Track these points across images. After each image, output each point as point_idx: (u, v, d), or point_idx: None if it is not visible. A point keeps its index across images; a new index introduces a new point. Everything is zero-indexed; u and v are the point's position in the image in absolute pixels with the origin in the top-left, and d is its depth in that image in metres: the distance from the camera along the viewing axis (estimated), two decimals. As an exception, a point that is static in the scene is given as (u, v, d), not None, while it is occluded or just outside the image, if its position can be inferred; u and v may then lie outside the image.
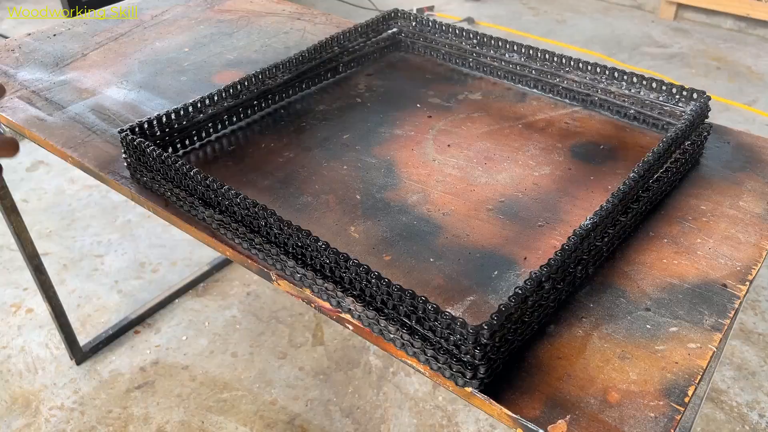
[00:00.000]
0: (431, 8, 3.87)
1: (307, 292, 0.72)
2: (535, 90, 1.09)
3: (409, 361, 0.66)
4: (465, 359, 0.61)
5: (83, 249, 2.15)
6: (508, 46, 1.09)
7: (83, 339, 1.79)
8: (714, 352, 0.66)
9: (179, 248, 2.12)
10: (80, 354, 1.74)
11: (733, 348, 1.75)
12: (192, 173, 0.79)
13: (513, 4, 4.04)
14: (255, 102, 1.04)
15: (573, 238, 0.68)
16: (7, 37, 1.37)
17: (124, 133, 0.87)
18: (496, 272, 0.76)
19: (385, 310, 0.66)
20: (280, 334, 1.82)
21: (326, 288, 0.70)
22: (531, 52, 1.06)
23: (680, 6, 3.71)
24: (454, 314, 0.69)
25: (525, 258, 0.77)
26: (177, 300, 1.94)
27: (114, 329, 1.81)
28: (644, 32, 3.64)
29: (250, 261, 0.78)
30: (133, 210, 2.30)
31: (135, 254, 2.12)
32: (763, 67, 3.25)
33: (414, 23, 1.20)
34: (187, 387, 1.67)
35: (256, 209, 0.73)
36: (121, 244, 2.16)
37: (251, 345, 1.79)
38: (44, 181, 2.48)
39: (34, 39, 1.34)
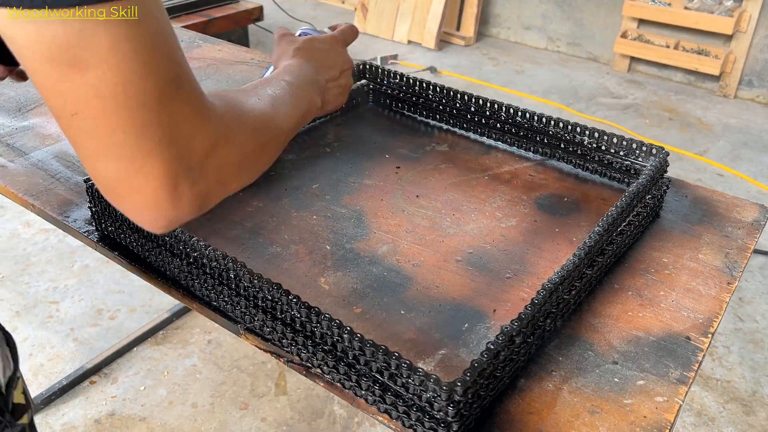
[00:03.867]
0: (395, 57, 3.95)
1: (276, 347, 0.71)
2: (500, 142, 1.12)
3: (380, 418, 0.65)
4: (438, 416, 0.60)
5: (38, 295, 2.08)
6: (473, 100, 1.12)
7: (35, 390, 1.72)
8: (680, 405, 0.67)
9: (138, 294, 2.07)
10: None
11: (693, 394, 1.78)
12: (160, 224, 0.77)
13: (474, 55, 4.15)
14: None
15: (542, 292, 0.68)
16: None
17: (89, 183, 0.86)
18: (466, 325, 0.76)
19: (357, 366, 0.65)
20: (242, 384, 1.77)
21: (296, 342, 0.69)
22: (496, 106, 1.09)
23: (633, 59, 3.87)
24: (426, 370, 0.69)
25: (494, 310, 0.78)
26: (135, 348, 1.88)
27: (68, 379, 1.75)
28: (600, 83, 3.78)
29: (217, 314, 0.77)
30: (91, 255, 2.25)
31: (92, 300, 2.06)
32: (712, 118, 3.40)
33: (381, 75, 1.22)
34: (144, 440, 1.61)
35: (225, 261, 0.72)
36: (78, 290, 2.10)
37: (212, 395, 1.74)
38: (-2, 224, 2.41)
39: (-4, 83, 1.31)
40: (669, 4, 3.62)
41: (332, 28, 0.95)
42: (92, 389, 1.75)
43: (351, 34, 0.93)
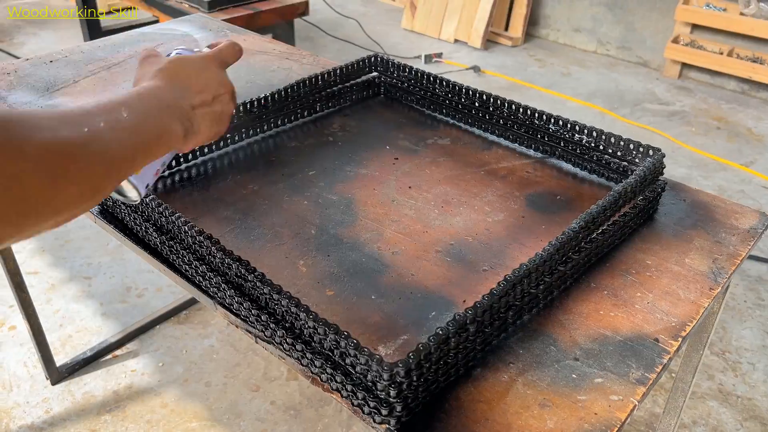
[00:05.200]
0: (439, 55, 3.94)
1: (246, 323, 0.74)
2: (501, 139, 1.12)
3: (333, 396, 0.67)
4: (382, 396, 0.62)
5: (73, 270, 2.18)
6: (477, 95, 1.12)
7: (61, 359, 1.80)
8: (635, 405, 0.66)
9: (166, 275, 2.14)
10: (56, 374, 1.75)
11: (710, 409, 1.73)
12: (147, 200, 0.81)
13: (520, 55, 4.11)
14: (227, 135, 1.08)
15: (502, 284, 0.69)
16: (18, 57, 1.43)
17: (91, 158, 0.90)
18: (433, 313, 0.77)
19: (312, 344, 0.67)
20: (256, 367, 1.82)
21: (261, 319, 0.71)
22: (499, 102, 1.09)
23: (684, 65, 3.76)
24: (383, 352, 0.70)
25: (464, 301, 0.78)
26: (158, 326, 1.95)
27: (92, 351, 1.82)
28: (648, 89, 3.69)
29: (195, 288, 0.80)
30: (125, 234, 2.33)
31: (123, 278, 2.15)
32: (763, 129, 3.27)
33: (392, 69, 1.24)
34: (158, 413, 1.67)
35: (200, 237, 0.75)
36: (111, 267, 2.19)
37: (226, 376, 1.79)
38: (43, 201, 2.52)
39: (30, 64, 1.39)
40: (724, 10, 3.50)
41: (211, 47, 0.79)
42: (114, 362, 1.83)
43: (231, 53, 0.76)
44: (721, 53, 3.54)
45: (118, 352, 1.86)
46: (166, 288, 2.10)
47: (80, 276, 2.16)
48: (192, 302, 2.02)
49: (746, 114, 3.42)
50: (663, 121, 3.32)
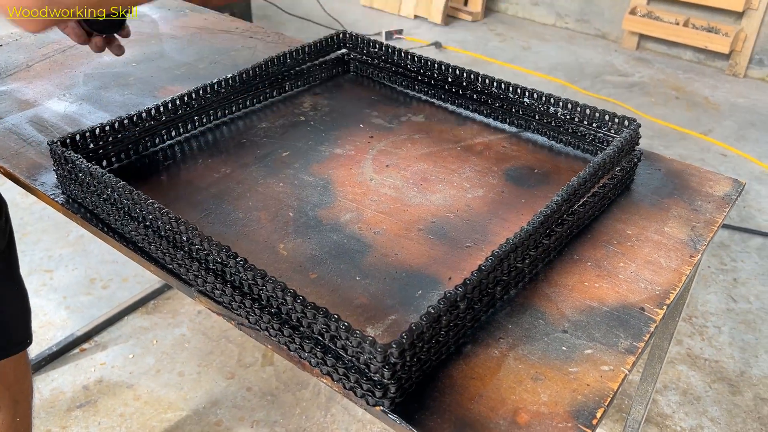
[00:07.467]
0: (400, 32, 3.91)
1: (227, 309, 0.72)
2: (476, 114, 1.10)
3: (323, 380, 0.66)
4: (375, 378, 0.60)
5: (32, 263, 2.10)
6: (450, 70, 1.10)
7: (26, 356, 1.74)
8: (626, 374, 0.66)
9: (131, 264, 2.08)
10: (22, 371, 1.69)
11: (680, 373, 1.77)
12: (118, 186, 0.78)
13: (480, 30, 4.10)
14: (195, 117, 1.04)
15: (490, 259, 0.68)
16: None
17: (53, 145, 0.86)
18: (420, 292, 0.76)
19: (300, 329, 0.65)
20: (230, 354, 1.79)
21: (245, 305, 0.69)
22: (472, 76, 1.08)
23: (642, 37, 3.80)
24: (372, 333, 0.69)
25: (450, 278, 0.78)
26: (126, 317, 1.90)
27: (58, 346, 1.77)
28: (607, 61, 3.72)
29: (172, 277, 0.77)
30: (87, 225, 2.26)
31: (86, 270, 2.08)
32: (719, 97, 3.35)
33: (361, 45, 1.21)
34: (131, 406, 1.64)
35: (177, 224, 0.72)
36: (73, 259, 2.12)
37: (199, 364, 1.76)
38: (-3, 193, 2.43)
39: (-21, 49, 1.32)
40: (679, -19, 3.55)
41: None
42: (82, 356, 1.78)
43: None
44: (677, 23, 3.59)
45: (85, 346, 1.81)
46: (132, 278, 2.05)
47: (40, 269, 2.08)
48: (160, 291, 1.98)
49: (703, 83, 3.49)
50: (623, 92, 3.36)
